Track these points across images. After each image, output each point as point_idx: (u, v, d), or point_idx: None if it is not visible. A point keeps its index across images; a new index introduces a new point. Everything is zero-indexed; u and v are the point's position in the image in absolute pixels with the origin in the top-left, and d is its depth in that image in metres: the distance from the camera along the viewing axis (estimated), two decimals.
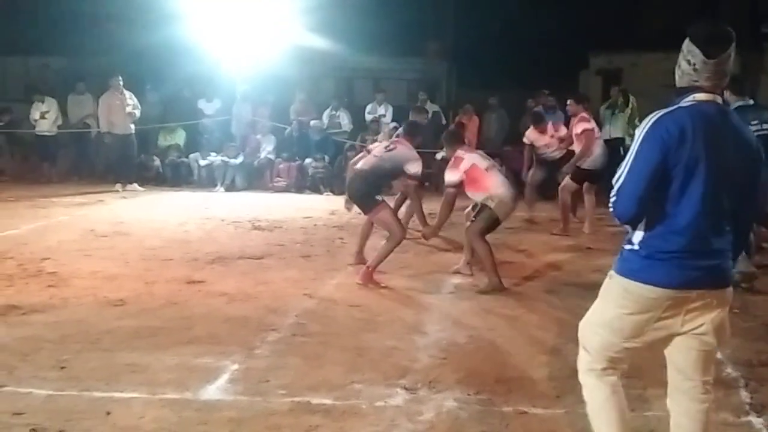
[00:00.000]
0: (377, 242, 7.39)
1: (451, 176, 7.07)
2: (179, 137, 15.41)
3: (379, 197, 7.03)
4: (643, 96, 13.18)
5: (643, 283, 2.86)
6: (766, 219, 5.43)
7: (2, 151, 15.71)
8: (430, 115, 14.70)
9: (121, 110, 13.73)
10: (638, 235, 2.91)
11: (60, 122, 15.19)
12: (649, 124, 2.85)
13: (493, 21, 20.98)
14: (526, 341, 5.42)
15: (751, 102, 6.94)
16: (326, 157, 14.21)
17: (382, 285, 6.88)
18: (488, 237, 7.03)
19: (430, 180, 12.95)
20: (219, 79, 15.50)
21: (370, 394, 4.34)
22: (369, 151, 7.49)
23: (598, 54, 19.42)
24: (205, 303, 6.25)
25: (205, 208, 11.69)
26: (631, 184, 2.84)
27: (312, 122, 14.70)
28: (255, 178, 14.61)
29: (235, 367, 4.75)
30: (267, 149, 14.59)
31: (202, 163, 14.63)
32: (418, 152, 7.31)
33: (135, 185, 13.83)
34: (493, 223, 6.99)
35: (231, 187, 14.13)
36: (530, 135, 10.94)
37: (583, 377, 3.13)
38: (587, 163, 9.64)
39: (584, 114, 9.88)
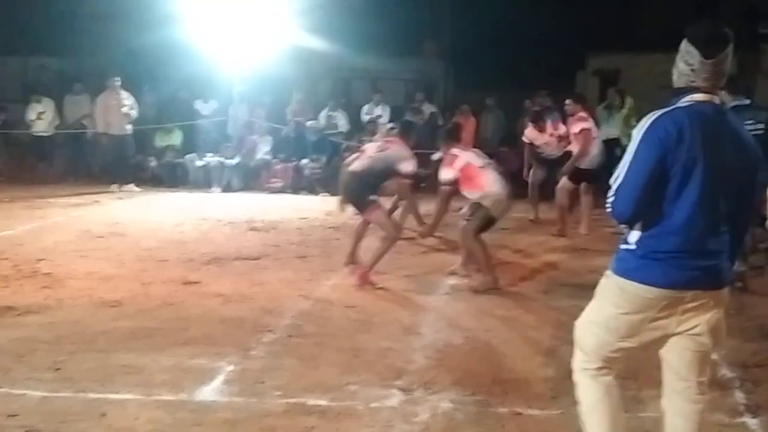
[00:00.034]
0: (371, 244, 7.37)
1: (446, 173, 7.09)
2: (176, 138, 15.38)
3: (373, 197, 7.02)
4: (641, 97, 13.15)
5: (639, 283, 2.87)
6: (762, 220, 5.43)
7: None
8: (427, 115, 14.71)
9: (118, 111, 13.71)
10: (635, 235, 2.91)
11: (57, 123, 15.16)
12: (647, 124, 2.85)
13: (491, 21, 20.99)
14: (522, 342, 5.42)
15: (747, 102, 6.94)
16: (323, 158, 14.19)
17: (378, 286, 6.87)
18: (486, 237, 7.03)
19: (428, 181, 12.92)
20: (216, 80, 15.47)
21: (366, 395, 4.33)
22: (363, 152, 7.48)
23: (596, 55, 19.39)
24: (201, 304, 6.24)
25: (202, 208, 11.67)
26: (630, 184, 2.84)
27: (309, 123, 14.69)
28: (251, 178, 14.58)
29: (231, 368, 4.74)
30: (264, 150, 14.57)
31: (199, 163, 14.60)
32: (415, 153, 7.31)
33: (131, 186, 13.80)
34: (488, 223, 6.99)
35: (227, 188, 14.11)
36: (529, 133, 10.92)
37: (577, 376, 3.13)
38: (585, 163, 9.64)
39: (582, 113, 9.87)
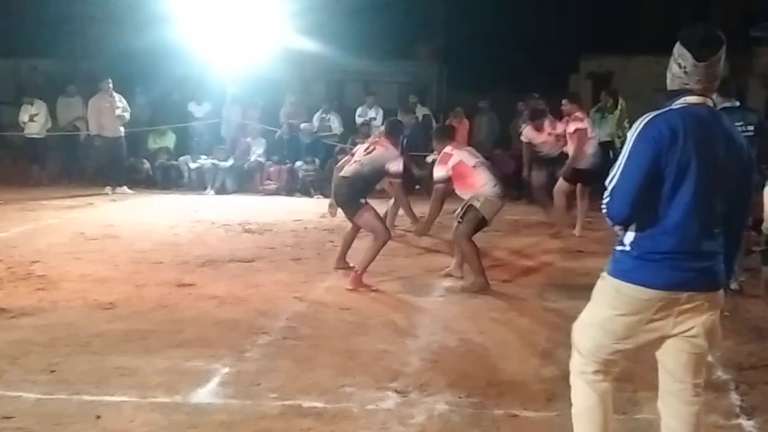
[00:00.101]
0: (363, 247, 7.35)
1: (438, 172, 7.12)
2: (169, 140, 15.34)
3: (363, 200, 7.02)
4: (634, 100, 13.17)
5: (635, 284, 2.88)
6: (755, 222, 5.45)
7: None
8: (420, 117, 14.72)
9: (111, 113, 13.66)
10: (629, 236, 2.92)
11: (49, 125, 15.08)
12: (642, 125, 2.87)
13: (484, 24, 21.01)
14: (517, 344, 5.42)
15: (738, 104, 6.97)
16: (316, 160, 14.17)
17: (373, 288, 6.87)
18: (480, 239, 7.03)
19: (422, 183, 12.93)
20: (209, 82, 15.45)
21: (361, 398, 4.33)
22: (353, 155, 7.48)
23: (589, 57, 19.43)
24: (196, 306, 6.23)
25: (195, 211, 11.64)
26: (624, 185, 2.85)
27: (302, 125, 14.66)
28: (245, 181, 14.56)
29: (226, 370, 4.74)
30: (257, 152, 14.55)
31: (192, 165, 14.57)
32: (409, 155, 7.31)
33: (125, 188, 13.75)
34: (480, 223, 7.00)
35: (221, 190, 14.08)
36: (528, 133, 10.90)
37: (573, 379, 3.13)
38: (581, 163, 9.65)
39: (578, 113, 9.89)
